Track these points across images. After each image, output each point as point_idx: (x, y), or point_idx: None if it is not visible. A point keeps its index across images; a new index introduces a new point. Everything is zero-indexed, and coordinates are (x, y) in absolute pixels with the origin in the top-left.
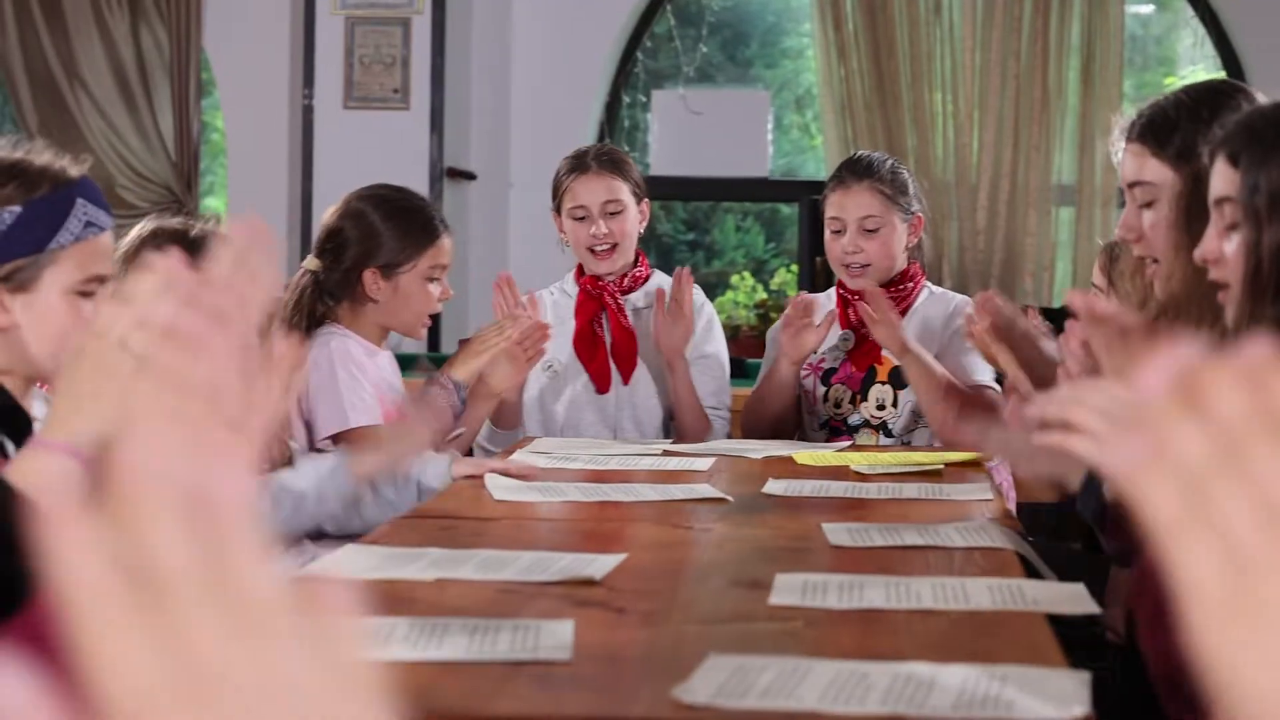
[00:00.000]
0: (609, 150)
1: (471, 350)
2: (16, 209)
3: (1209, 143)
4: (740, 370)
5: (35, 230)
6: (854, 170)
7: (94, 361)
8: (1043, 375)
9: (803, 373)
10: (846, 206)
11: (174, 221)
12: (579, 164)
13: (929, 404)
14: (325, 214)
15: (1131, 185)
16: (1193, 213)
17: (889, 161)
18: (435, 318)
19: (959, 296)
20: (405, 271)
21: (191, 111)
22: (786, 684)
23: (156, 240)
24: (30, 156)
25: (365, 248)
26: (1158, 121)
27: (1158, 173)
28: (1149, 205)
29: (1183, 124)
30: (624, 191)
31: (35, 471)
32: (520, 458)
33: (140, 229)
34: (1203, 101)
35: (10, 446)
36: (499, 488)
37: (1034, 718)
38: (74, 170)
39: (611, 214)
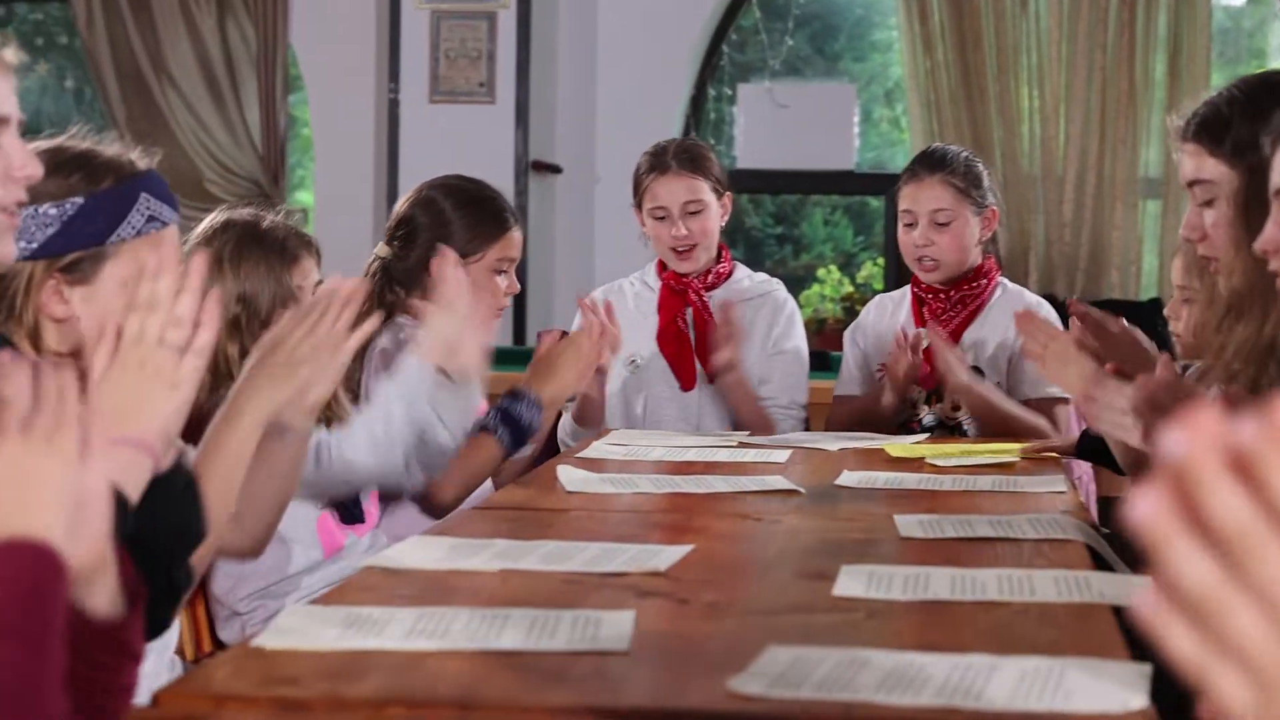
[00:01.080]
0: (689, 147)
1: (554, 369)
2: (79, 200)
3: (1270, 133)
4: (823, 363)
5: (97, 222)
6: (926, 163)
7: (136, 366)
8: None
9: (876, 372)
10: (918, 199)
11: (245, 213)
12: (658, 163)
13: (990, 431)
14: (399, 203)
15: (1191, 185)
16: (1251, 208)
17: (962, 154)
18: (520, 312)
19: (1032, 296)
20: (473, 262)
21: (278, 106)
22: (843, 675)
23: (227, 233)
24: (98, 148)
25: (435, 235)
26: (1211, 119)
27: (1215, 171)
28: (1209, 204)
29: (1236, 120)
30: (704, 190)
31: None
32: (597, 449)
33: (211, 220)
34: (1256, 95)
35: None
36: (571, 479)
37: (1091, 710)
38: (141, 163)
39: (692, 214)
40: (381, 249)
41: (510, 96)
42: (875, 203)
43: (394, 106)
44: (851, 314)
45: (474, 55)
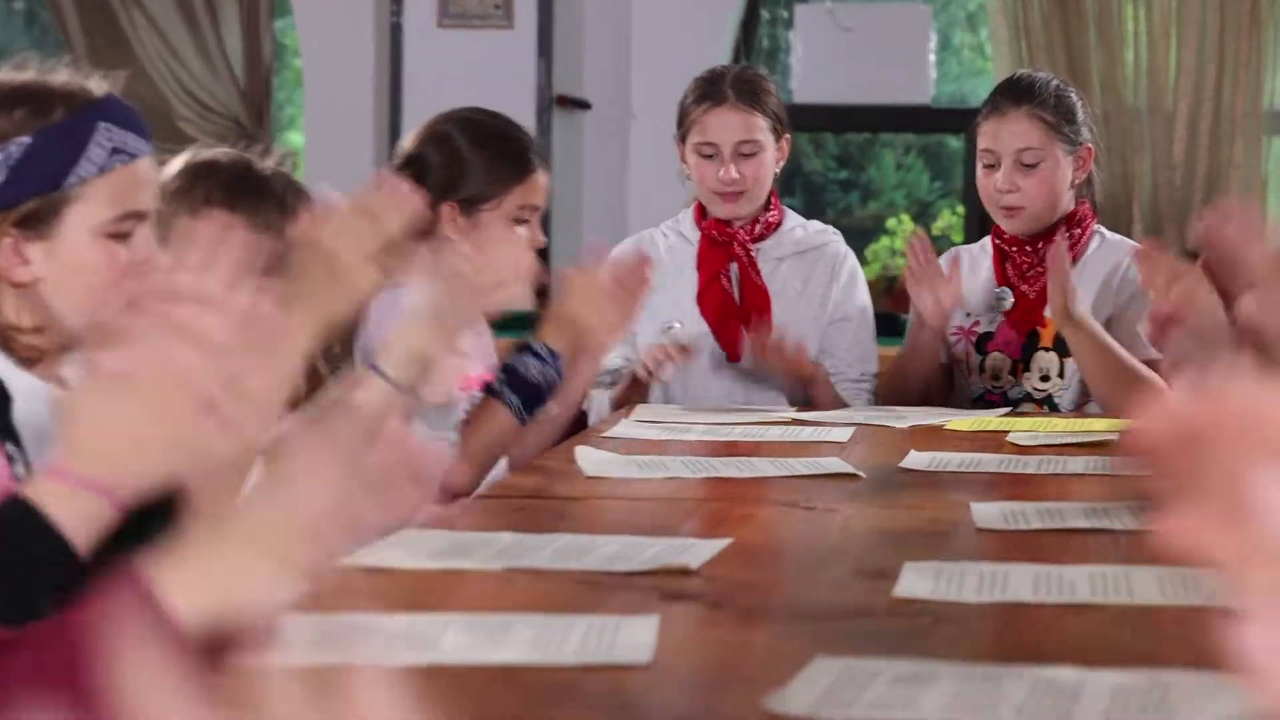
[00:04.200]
0: (749, 77)
1: (564, 308)
2: (25, 140)
3: None
4: (893, 327)
5: (50, 163)
6: (1011, 94)
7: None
8: None
9: (953, 337)
10: (1001, 136)
11: (229, 153)
12: (713, 91)
13: (1096, 387)
14: (407, 137)
15: None
16: None
17: (1053, 83)
18: (545, 267)
19: (1135, 244)
20: (490, 209)
21: (263, 31)
22: (903, 693)
23: (212, 178)
24: (45, 77)
25: (447, 177)
26: None
27: None
28: None
29: None
30: (762, 129)
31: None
32: (624, 428)
33: (189, 158)
34: None
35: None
36: (591, 462)
37: None
38: (96, 89)
39: (745, 155)
40: None
41: (531, 20)
42: (955, 142)
43: (396, 32)
44: None
45: None
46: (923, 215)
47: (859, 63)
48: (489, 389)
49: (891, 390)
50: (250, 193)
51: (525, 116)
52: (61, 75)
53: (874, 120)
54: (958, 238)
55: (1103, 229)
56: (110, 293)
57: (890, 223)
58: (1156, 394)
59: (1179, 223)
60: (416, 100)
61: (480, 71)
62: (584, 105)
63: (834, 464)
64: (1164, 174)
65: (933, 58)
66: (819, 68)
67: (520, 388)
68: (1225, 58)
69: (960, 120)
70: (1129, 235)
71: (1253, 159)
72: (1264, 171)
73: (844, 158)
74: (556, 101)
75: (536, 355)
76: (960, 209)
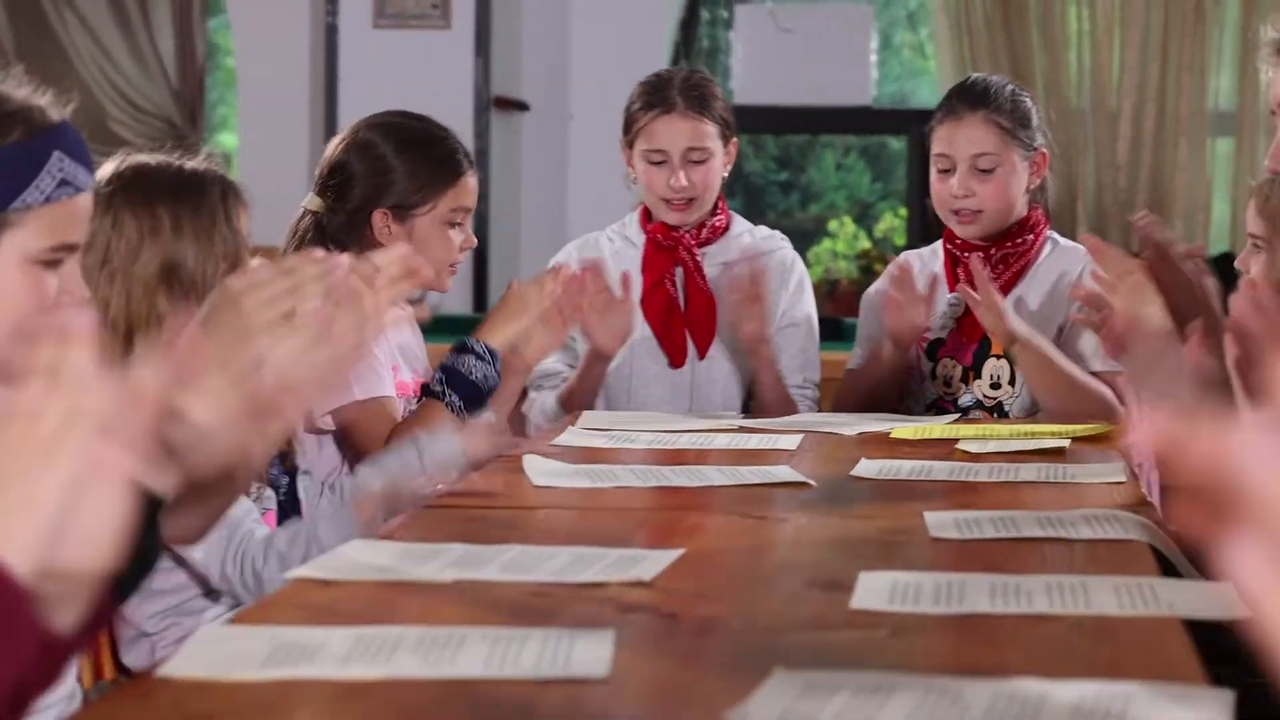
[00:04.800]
0: (697, 82)
1: (508, 311)
2: None
3: None
4: (836, 332)
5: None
6: (966, 98)
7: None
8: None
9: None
10: (956, 141)
11: (157, 158)
12: (661, 99)
13: (1044, 401)
14: (329, 146)
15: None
16: None
17: (1008, 87)
18: (481, 272)
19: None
20: (422, 214)
21: (196, 31)
22: (864, 706)
23: (139, 182)
24: (3, 89)
25: (374, 185)
26: None
27: None
28: None
29: None
30: (710, 135)
31: None
32: (571, 436)
33: (117, 166)
34: None
35: None
36: (538, 472)
37: None
38: (54, 113)
39: (695, 162)
40: (311, 201)
41: (469, 20)
42: (896, 144)
43: (332, 32)
44: (869, 275)
45: None
46: (864, 217)
47: (800, 63)
48: (428, 390)
49: (845, 404)
50: (178, 193)
51: (462, 118)
52: (21, 92)
53: (815, 122)
54: (900, 240)
55: (1056, 235)
56: (33, 320)
57: (832, 225)
58: (1105, 407)
59: (1123, 224)
60: (352, 101)
61: (417, 72)
62: (522, 106)
63: (784, 472)
64: (1108, 175)
65: (874, 58)
66: (759, 69)
67: (460, 386)
68: (1169, 57)
69: (902, 121)
70: (1073, 238)
71: (1197, 160)
72: (1209, 172)
73: (784, 159)
74: (494, 102)
75: (476, 354)
76: (903, 211)
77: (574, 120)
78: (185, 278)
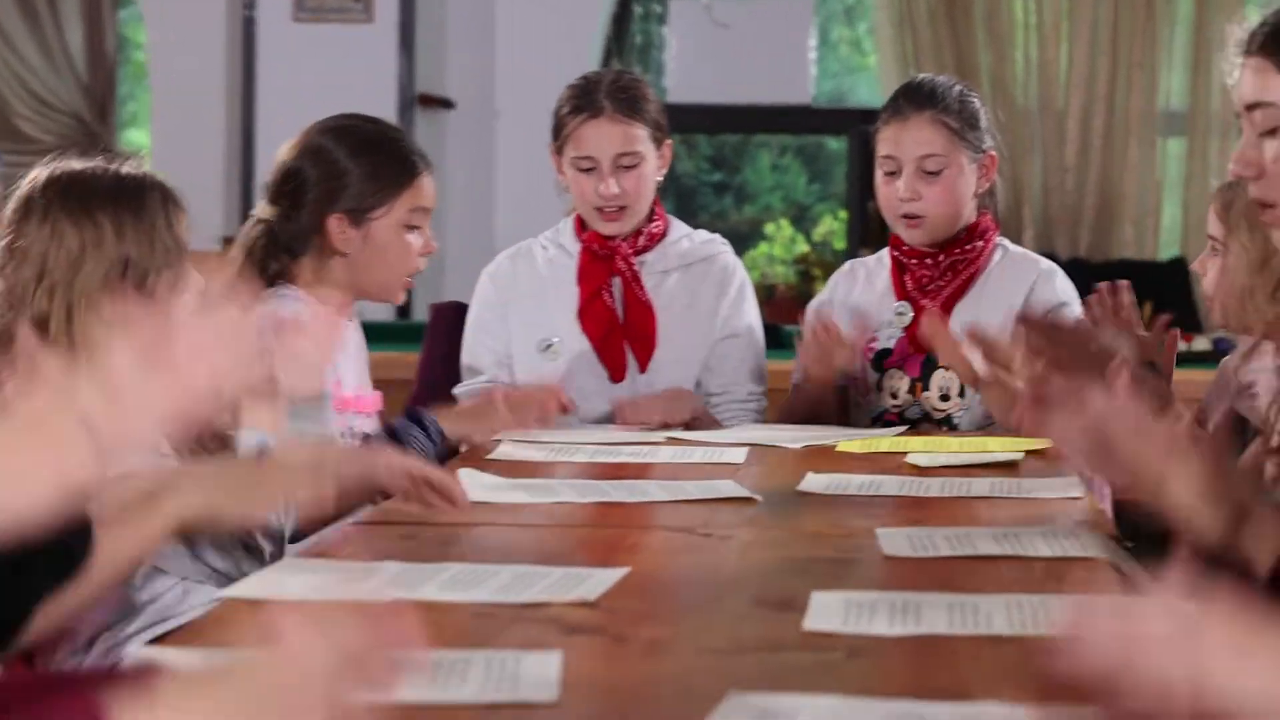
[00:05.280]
0: (626, 84)
1: (486, 422)
2: None
3: None
4: (774, 340)
5: None
6: (912, 98)
7: None
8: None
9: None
10: (903, 143)
11: (85, 165)
12: (588, 103)
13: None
14: (280, 150)
15: (1250, 108)
16: None
17: (956, 87)
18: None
19: (1044, 262)
20: (378, 217)
21: (106, 23)
22: None
23: (59, 192)
24: None
25: (329, 190)
26: None
27: None
28: (1273, 133)
29: None
30: (641, 139)
31: None
32: (506, 450)
33: (38, 174)
34: None
35: None
36: (474, 486)
37: None
38: None
39: (626, 168)
40: (263, 209)
41: (392, 15)
42: (834, 144)
43: (249, 25)
44: (807, 279)
45: None
46: (801, 219)
47: (736, 60)
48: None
49: (788, 417)
50: (118, 198)
51: (386, 115)
52: None
53: (752, 121)
54: (840, 244)
55: (1006, 241)
56: None
57: (769, 228)
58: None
59: (1071, 229)
60: (271, 97)
61: (338, 68)
62: (447, 104)
63: (728, 487)
64: (1056, 177)
65: (813, 55)
66: (694, 65)
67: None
68: (1119, 55)
69: (840, 120)
70: (1019, 243)
71: (1148, 161)
72: (1159, 174)
73: (717, 159)
74: (419, 100)
75: (424, 429)
76: (843, 214)
77: (501, 118)
78: (133, 281)
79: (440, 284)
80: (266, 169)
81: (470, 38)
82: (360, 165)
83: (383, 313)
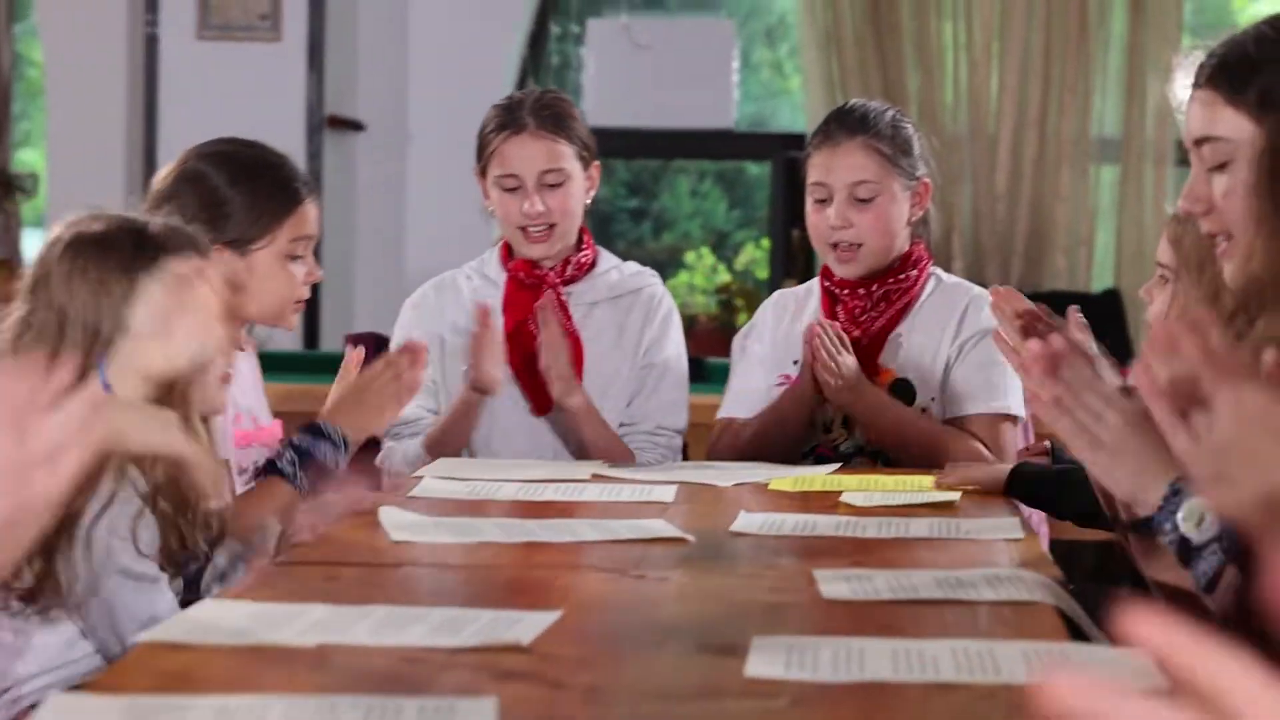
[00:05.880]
0: (551, 101)
1: (365, 404)
2: None
3: None
4: (698, 373)
5: None
6: (844, 123)
7: None
8: None
9: (778, 388)
10: (834, 170)
11: (113, 219)
12: (512, 119)
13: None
14: (156, 177)
15: (1199, 142)
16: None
17: (889, 113)
18: (314, 304)
19: (976, 289)
20: (260, 248)
21: (0, 40)
22: None
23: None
24: None
25: (208, 218)
26: (1234, 61)
27: (1234, 125)
28: (1221, 168)
29: (1266, 64)
30: (568, 157)
31: None
32: (427, 486)
33: (78, 230)
34: None
35: None
36: (396, 526)
37: None
38: None
39: (551, 186)
40: None
41: (301, 33)
42: (755, 169)
43: (151, 43)
44: (729, 310)
45: None
46: (721, 247)
47: (656, 82)
48: (274, 467)
49: (724, 456)
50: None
51: (294, 137)
52: None
53: (673, 145)
54: (762, 274)
55: (940, 271)
56: None
57: (689, 256)
58: (968, 454)
59: (1002, 259)
60: (174, 118)
61: (245, 87)
62: (357, 126)
63: (659, 527)
64: (986, 205)
65: (736, 78)
66: (613, 87)
67: (310, 469)
68: (1051, 79)
69: (762, 145)
70: (950, 271)
71: (1081, 189)
72: (1092, 202)
73: (635, 185)
74: (328, 121)
75: (331, 442)
76: (765, 242)
77: (413, 141)
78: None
79: (349, 309)
80: None
81: (382, 58)
82: (240, 194)
83: (289, 341)
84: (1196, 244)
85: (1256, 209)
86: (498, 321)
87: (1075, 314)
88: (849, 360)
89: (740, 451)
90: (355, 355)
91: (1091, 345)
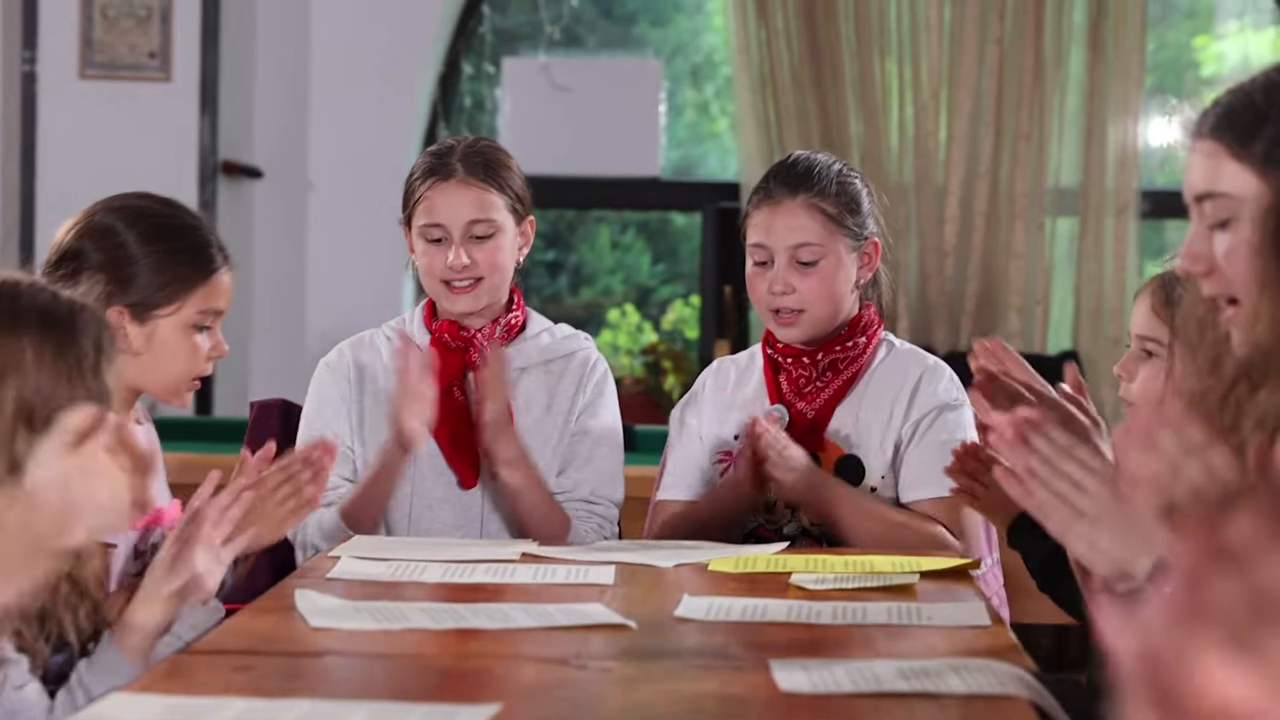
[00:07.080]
0: (484, 149)
1: (262, 508)
2: None
3: None
4: (627, 442)
5: None
6: (785, 180)
7: None
8: None
9: (719, 463)
10: (774, 230)
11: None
12: (439, 166)
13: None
14: (60, 230)
15: (1201, 199)
16: None
17: (835, 166)
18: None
19: (930, 358)
20: (165, 315)
21: None
22: None
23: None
24: None
25: (112, 278)
26: (1238, 111)
27: (1239, 181)
28: (1224, 225)
29: (1276, 114)
30: (499, 208)
31: None
32: (345, 567)
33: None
34: None
35: None
36: (314, 611)
37: None
38: None
39: (478, 238)
40: None
41: (192, 73)
42: (681, 219)
43: (29, 82)
44: (657, 372)
45: (141, 15)
46: (645, 303)
47: (577, 127)
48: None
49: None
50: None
51: (185, 184)
52: None
53: (595, 195)
54: (692, 333)
55: (892, 337)
56: None
57: (612, 314)
58: (928, 541)
59: (951, 319)
60: (54, 163)
61: (132, 130)
62: (254, 173)
63: (599, 612)
64: (934, 262)
65: (663, 122)
66: (530, 131)
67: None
68: (1004, 126)
69: (690, 195)
70: (894, 333)
71: (1036, 244)
72: (1048, 258)
73: (552, 235)
74: (222, 167)
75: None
76: (695, 299)
77: (314, 190)
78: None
79: (246, 371)
80: (47, 244)
81: (280, 99)
82: (151, 255)
83: (179, 408)
84: (1193, 308)
85: (1261, 271)
86: (422, 359)
87: (1073, 372)
88: (796, 453)
89: (674, 536)
90: (255, 459)
91: (1090, 408)
